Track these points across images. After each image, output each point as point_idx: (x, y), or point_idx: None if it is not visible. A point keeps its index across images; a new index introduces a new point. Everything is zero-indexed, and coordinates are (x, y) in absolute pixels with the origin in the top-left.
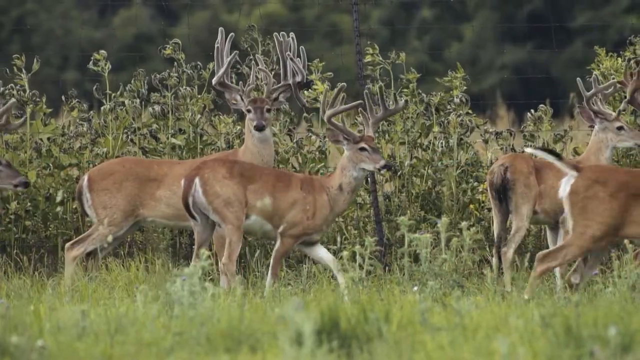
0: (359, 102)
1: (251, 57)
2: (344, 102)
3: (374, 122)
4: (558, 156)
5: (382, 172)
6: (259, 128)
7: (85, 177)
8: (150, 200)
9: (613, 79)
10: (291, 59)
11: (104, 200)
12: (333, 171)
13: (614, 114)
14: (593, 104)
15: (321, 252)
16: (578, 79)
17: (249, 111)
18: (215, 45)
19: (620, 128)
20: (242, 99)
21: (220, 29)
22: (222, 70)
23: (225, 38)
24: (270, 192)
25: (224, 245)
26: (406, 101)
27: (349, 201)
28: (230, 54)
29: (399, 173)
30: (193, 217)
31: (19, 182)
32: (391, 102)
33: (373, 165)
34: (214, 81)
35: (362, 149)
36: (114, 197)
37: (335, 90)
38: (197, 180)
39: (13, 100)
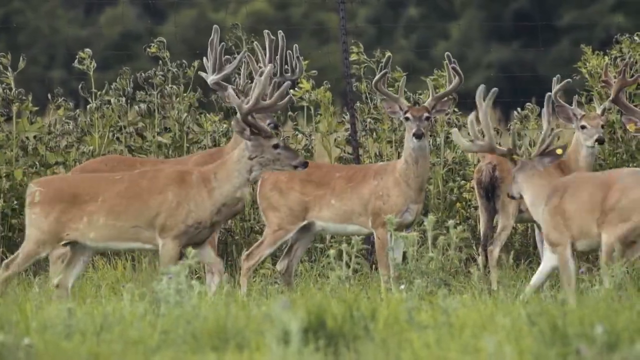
0: (385, 71)
1: (235, 55)
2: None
3: (437, 96)
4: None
5: (416, 140)
6: (275, 126)
7: None
8: None
9: (600, 77)
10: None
11: None
12: None
13: (581, 113)
14: (556, 102)
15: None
16: (554, 78)
17: None
18: (209, 44)
19: (583, 127)
20: (237, 97)
21: (215, 26)
22: (223, 73)
23: (218, 37)
24: (338, 195)
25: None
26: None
27: (420, 172)
28: (223, 55)
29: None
30: None
31: (299, 163)
32: (379, 101)
33: (410, 133)
34: (210, 81)
35: (406, 118)
36: None
37: (386, 56)
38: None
39: (288, 83)
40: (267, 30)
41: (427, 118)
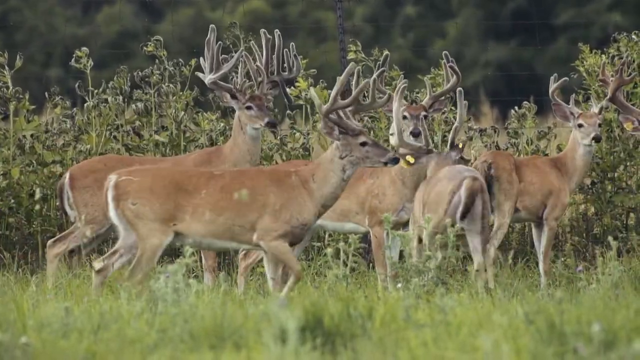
0: (382, 70)
1: (233, 54)
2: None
3: (435, 95)
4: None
5: (413, 139)
6: (272, 124)
7: (67, 175)
8: None
9: (597, 75)
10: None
11: (85, 198)
12: None
13: (578, 111)
14: (553, 101)
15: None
16: (552, 77)
17: (248, 108)
18: (206, 44)
19: (580, 125)
20: (233, 97)
21: (212, 26)
22: (220, 72)
23: (214, 36)
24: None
25: None
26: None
27: (416, 171)
28: (221, 54)
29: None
30: None
31: (388, 159)
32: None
33: (408, 132)
34: (208, 81)
35: (403, 117)
36: (95, 195)
37: (384, 55)
38: None
39: (373, 79)
40: (263, 29)
41: (425, 117)
